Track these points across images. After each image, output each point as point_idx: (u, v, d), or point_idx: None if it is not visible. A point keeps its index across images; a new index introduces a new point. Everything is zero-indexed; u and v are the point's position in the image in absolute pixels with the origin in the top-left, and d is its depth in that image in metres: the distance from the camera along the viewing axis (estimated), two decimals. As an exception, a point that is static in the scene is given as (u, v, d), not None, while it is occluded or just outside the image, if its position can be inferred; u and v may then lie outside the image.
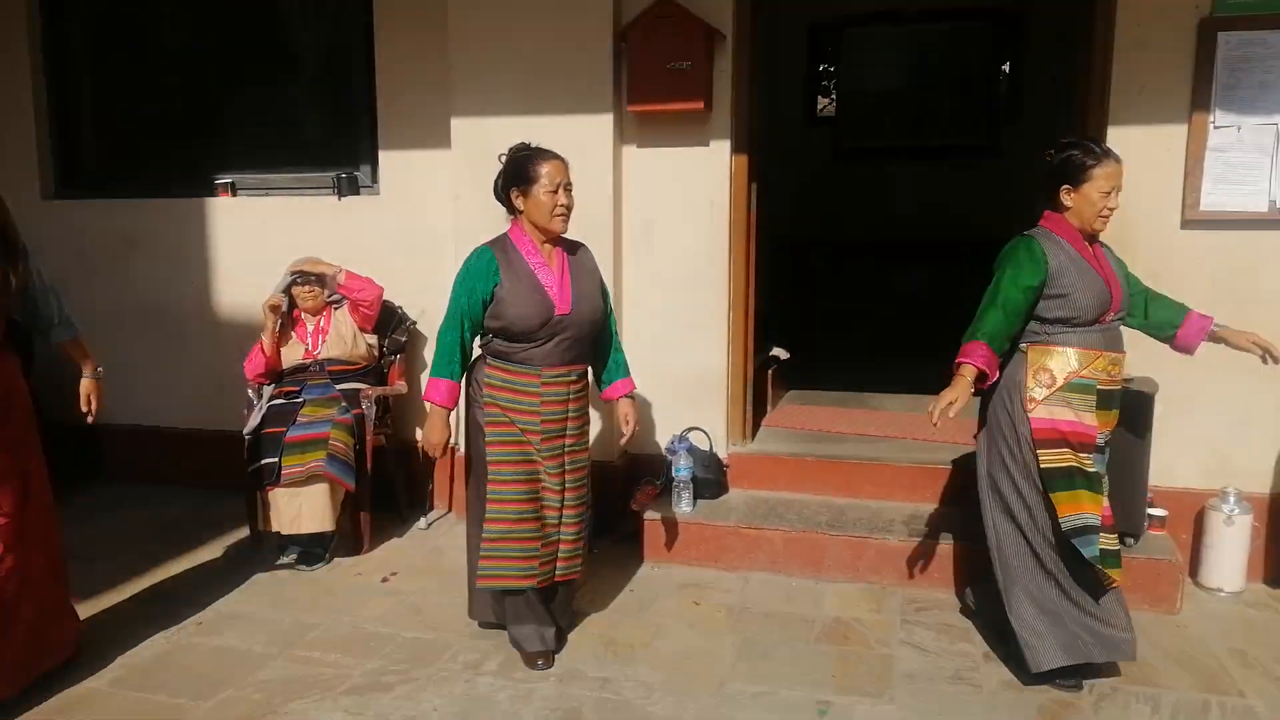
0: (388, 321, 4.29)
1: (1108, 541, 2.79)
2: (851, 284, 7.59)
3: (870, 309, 7.43)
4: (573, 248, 3.08)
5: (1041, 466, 2.80)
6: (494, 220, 4.07)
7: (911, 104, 7.57)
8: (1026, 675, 2.89)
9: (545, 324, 2.90)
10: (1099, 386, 2.82)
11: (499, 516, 2.94)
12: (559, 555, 3.05)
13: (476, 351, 3.06)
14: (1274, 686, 2.90)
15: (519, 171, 2.92)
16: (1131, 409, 3.33)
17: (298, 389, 3.97)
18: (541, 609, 3.07)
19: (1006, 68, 7.44)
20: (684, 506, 3.89)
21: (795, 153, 7.85)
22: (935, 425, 2.76)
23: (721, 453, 4.15)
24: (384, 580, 3.74)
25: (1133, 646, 2.86)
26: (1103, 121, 3.51)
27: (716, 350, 4.11)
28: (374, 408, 3.99)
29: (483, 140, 4.09)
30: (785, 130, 7.88)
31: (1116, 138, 3.49)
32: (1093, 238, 2.88)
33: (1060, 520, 2.78)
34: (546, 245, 2.99)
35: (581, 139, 3.88)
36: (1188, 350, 2.97)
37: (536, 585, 2.99)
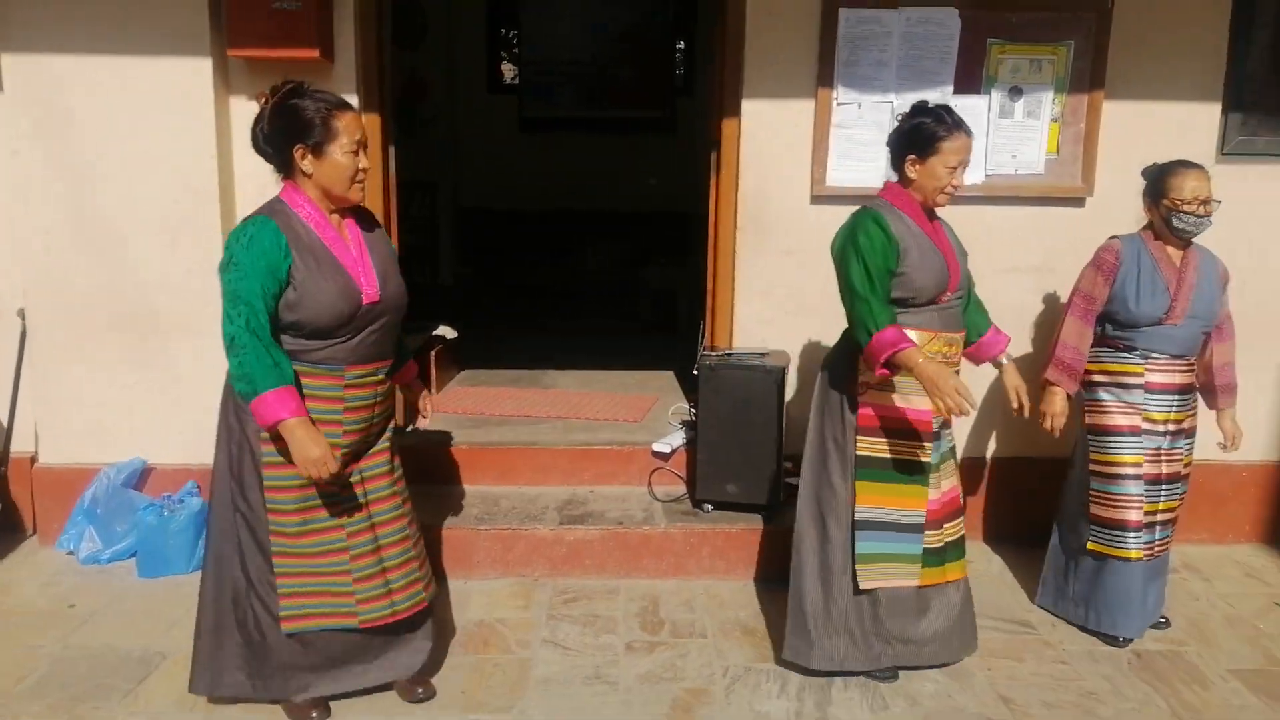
0: (-70, 306, 3.45)
1: (935, 539, 2.69)
2: (541, 256, 7.42)
3: (559, 282, 7.30)
4: (361, 215, 2.49)
5: (858, 453, 2.65)
6: (61, 179, 3.37)
7: (593, 75, 7.47)
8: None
9: (354, 316, 2.34)
10: None
11: (290, 551, 2.40)
12: (392, 587, 2.49)
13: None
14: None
15: (306, 123, 2.28)
16: (760, 386, 3.36)
17: None
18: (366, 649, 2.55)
19: (682, 44, 7.53)
20: (318, 509, 3.45)
21: (479, 121, 7.54)
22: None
23: (367, 445, 3.75)
24: (-85, 632, 2.99)
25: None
26: (738, 94, 3.47)
27: (356, 332, 3.68)
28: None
29: (48, 83, 3.37)
30: (468, 97, 7.53)
31: (751, 110, 3.47)
32: (933, 212, 2.66)
33: (855, 509, 2.66)
34: (335, 216, 2.40)
35: (177, 87, 3.32)
36: (977, 359, 2.85)
37: (359, 625, 2.46)
